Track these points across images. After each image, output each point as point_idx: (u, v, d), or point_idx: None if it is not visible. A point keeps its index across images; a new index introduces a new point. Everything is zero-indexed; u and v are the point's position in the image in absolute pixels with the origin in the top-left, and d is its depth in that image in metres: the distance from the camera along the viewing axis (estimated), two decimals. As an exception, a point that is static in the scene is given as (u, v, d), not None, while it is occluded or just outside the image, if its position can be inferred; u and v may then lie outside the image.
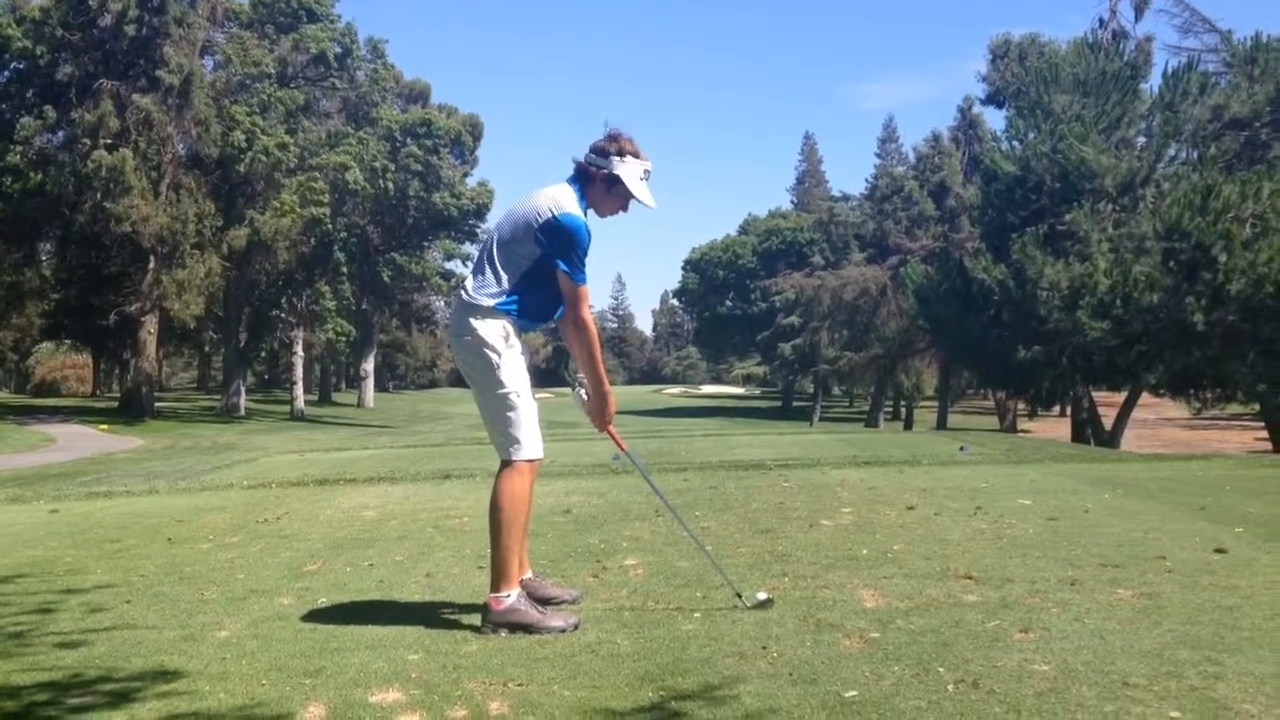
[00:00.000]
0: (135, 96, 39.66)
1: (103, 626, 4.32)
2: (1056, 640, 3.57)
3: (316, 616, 4.38)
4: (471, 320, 4.16)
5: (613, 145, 4.20)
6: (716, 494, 7.82)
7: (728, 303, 79.37)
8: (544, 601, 4.28)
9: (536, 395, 4.30)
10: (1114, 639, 3.56)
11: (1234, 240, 23.63)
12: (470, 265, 4.22)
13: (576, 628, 3.98)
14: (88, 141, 38.73)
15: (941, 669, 3.27)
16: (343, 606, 4.55)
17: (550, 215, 4.05)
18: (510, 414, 4.16)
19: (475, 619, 4.15)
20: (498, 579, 4.11)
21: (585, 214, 4.18)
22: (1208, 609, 3.96)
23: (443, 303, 79.82)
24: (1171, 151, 27.64)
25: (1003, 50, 50.01)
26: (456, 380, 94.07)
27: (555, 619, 4.04)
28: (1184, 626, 3.70)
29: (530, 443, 4.17)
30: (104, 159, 37.75)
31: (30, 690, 3.42)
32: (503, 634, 3.98)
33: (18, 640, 4.14)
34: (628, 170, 4.18)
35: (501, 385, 4.14)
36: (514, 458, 4.17)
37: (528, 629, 3.99)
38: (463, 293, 4.25)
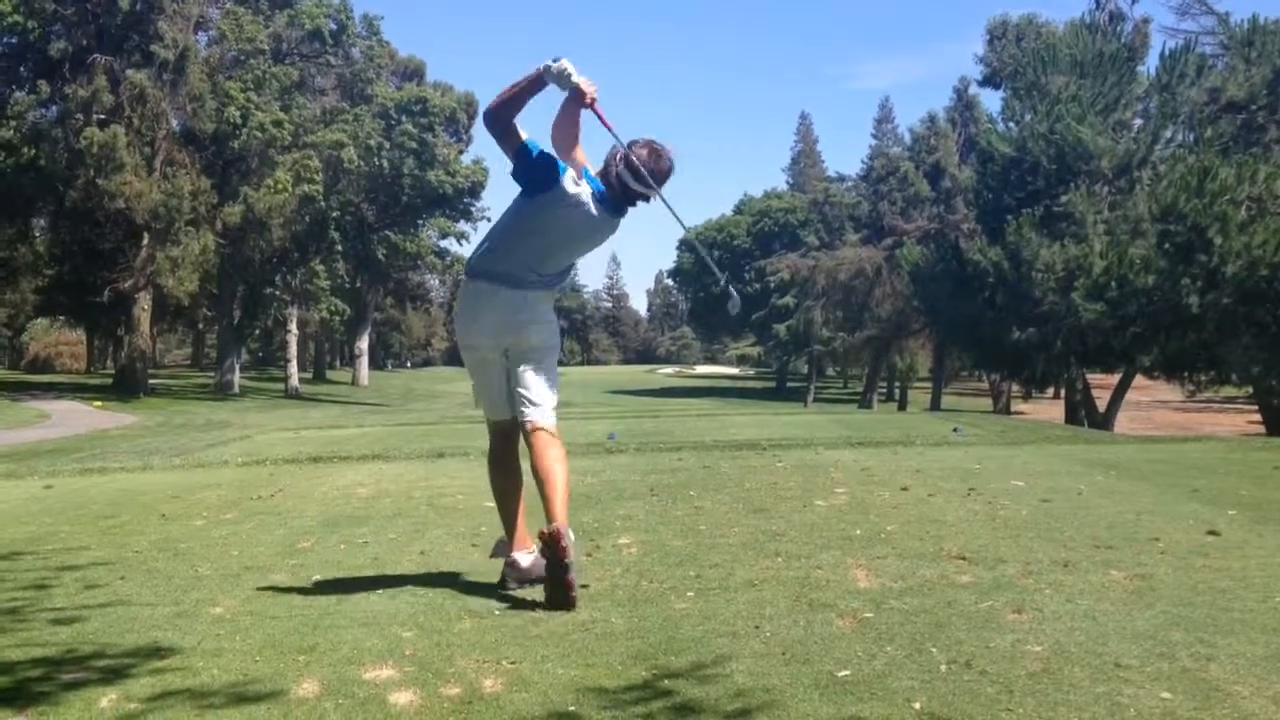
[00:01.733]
0: (129, 72, 39.46)
1: (97, 603, 4.32)
2: (1049, 621, 3.57)
3: (310, 594, 4.38)
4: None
5: (640, 144, 4.24)
6: (710, 474, 7.82)
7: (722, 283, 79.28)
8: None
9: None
10: (1107, 620, 3.57)
11: (1229, 223, 23.64)
12: (469, 243, 4.35)
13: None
14: (81, 117, 38.55)
15: (934, 649, 3.28)
16: (336, 584, 4.56)
17: None
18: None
19: (469, 597, 4.17)
20: (525, 536, 4.38)
21: (601, 196, 4.23)
22: (1200, 591, 3.97)
23: (437, 280, 79.59)
24: (1168, 134, 27.62)
25: (1000, 31, 49.92)
26: (451, 359, 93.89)
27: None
28: (1177, 608, 3.71)
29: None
30: (96, 136, 37.56)
31: (24, 666, 3.42)
32: (526, 587, 4.25)
33: (12, 616, 4.14)
34: (638, 154, 4.18)
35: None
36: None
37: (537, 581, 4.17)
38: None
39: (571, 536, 3.99)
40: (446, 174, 55.33)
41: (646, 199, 4.22)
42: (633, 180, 4.19)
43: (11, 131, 39.19)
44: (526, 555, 4.31)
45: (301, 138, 44.30)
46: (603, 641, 3.50)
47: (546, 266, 4.29)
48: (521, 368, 4.30)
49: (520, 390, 4.30)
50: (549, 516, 4.05)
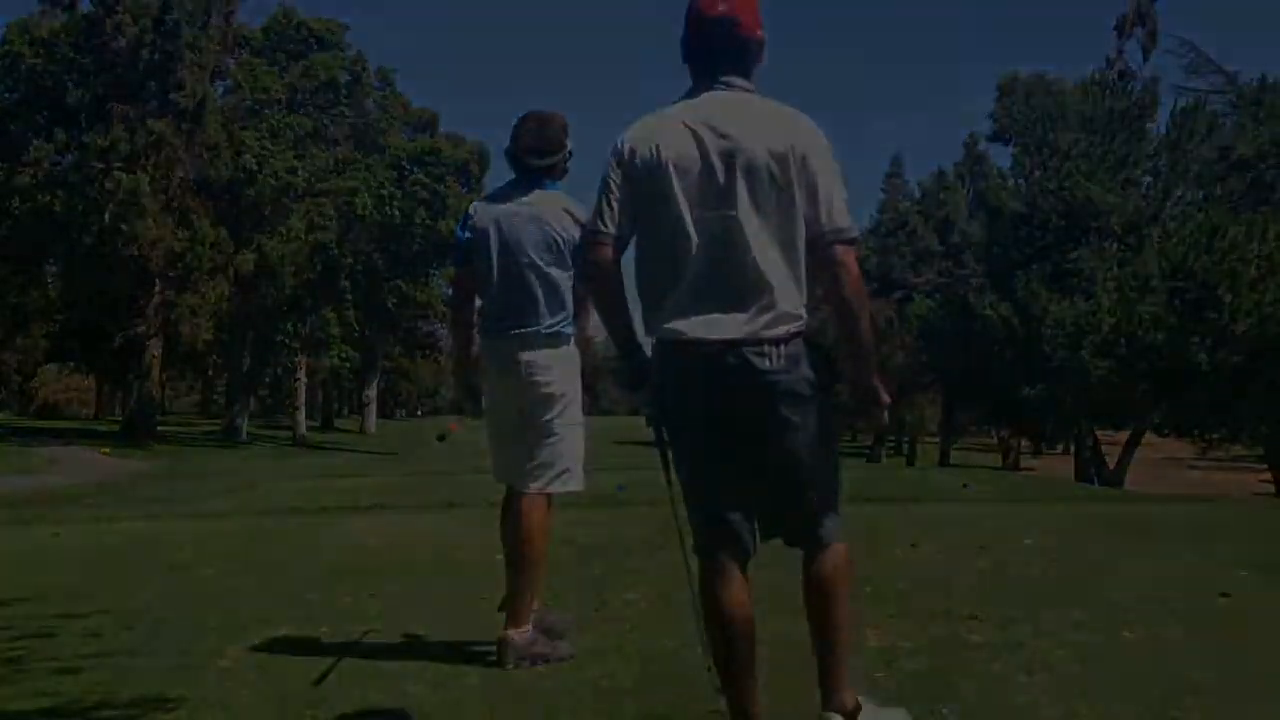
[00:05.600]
0: (150, 120, 39.85)
1: (103, 652, 4.30)
2: (1062, 683, 3.55)
3: (318, 646, 4.36)
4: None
5: (564, 130, 4.32)
6: (719, 528, 7.76)
7: (732, 335, 79.39)
8: (546, 630, 4.25)
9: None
10: (1119, 682, 3.54)
11: (1239, 280, 23.67)
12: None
13: (573, 656, 4.00)
14: (98, 164, 38.89)
15: (946, 710, 3.25)
16: (344, 636, 4.53)
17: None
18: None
19: (477, 650, 4.14)
20: (522, 613, 4.07)
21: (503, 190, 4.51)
22: (1213, 653, 3.94)
23: (446, 330, 79.64)
24: (1178, 191, 27.75)
25: (1010, 87, 50.21)
26: (461, 409, 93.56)
27: (563, 647, 4.06)
28: (1190, 670, 3.68)
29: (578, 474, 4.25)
30: (124, 181, 37.90)
31: (29, 716, 3.41)
32: (524, 666, 3.94)
33: (16, 666, 4.12)
34: (529, 128, 4.31)
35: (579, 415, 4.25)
36: (555, 489, 4.19)
37: (546, 660, 3.97)
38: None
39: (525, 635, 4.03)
40: (458, 224, 55.44)
41: (553, 168, 4.31)
42: (539, 158, 4.26)
43: (29, 178, 39.52)
44: (519, 632, 4.10)
45: (315, 186, 44.62)
46: (611, 698, 3.48)
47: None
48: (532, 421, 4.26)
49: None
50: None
